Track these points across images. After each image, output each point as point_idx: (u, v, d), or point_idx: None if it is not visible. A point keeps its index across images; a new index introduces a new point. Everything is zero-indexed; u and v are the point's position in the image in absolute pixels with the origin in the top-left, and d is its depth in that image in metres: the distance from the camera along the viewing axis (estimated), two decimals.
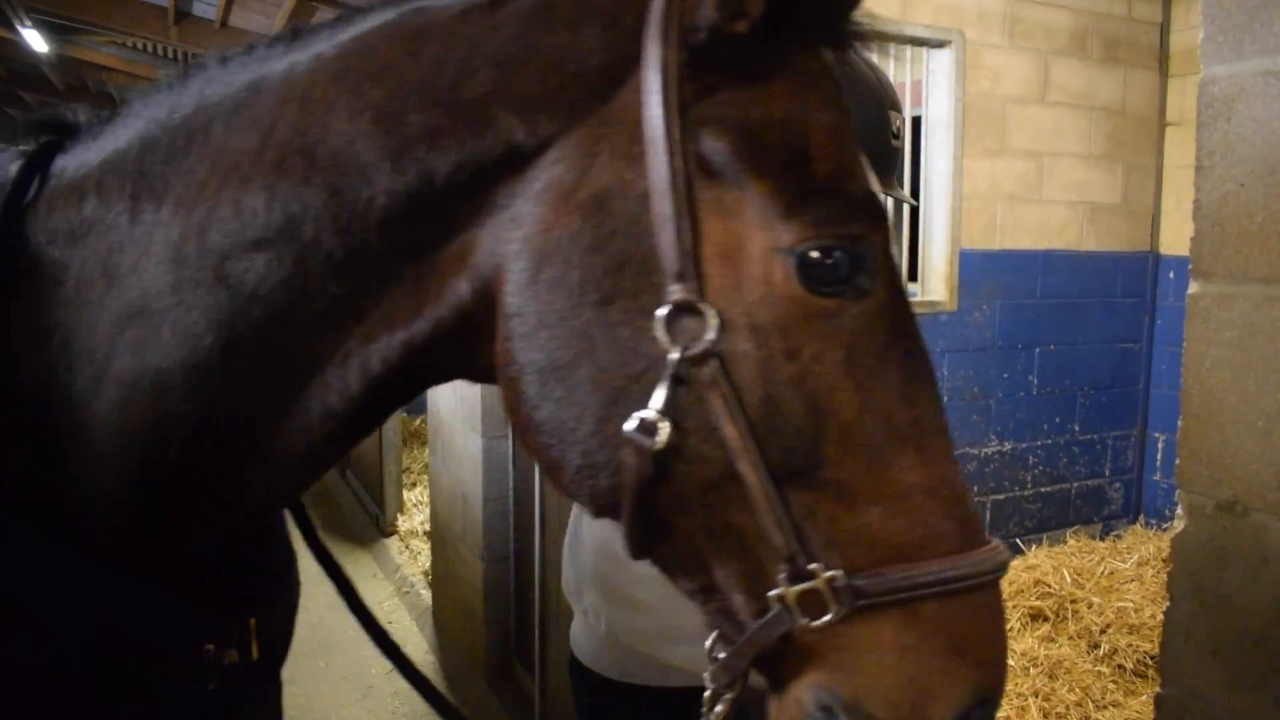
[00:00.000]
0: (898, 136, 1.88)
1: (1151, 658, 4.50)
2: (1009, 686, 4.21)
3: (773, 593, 0.84)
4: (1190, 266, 1.53)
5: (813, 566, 0.83)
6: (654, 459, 0.85)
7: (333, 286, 0.97)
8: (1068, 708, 4.16)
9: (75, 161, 1.14)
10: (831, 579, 0.83)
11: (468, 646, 4.81)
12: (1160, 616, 5.03)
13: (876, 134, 1.77)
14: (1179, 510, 1.56)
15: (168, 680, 1.14)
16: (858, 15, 0.92)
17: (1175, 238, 6.40)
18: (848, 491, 0.85)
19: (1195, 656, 1.49)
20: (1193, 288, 1.52)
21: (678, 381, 0.84)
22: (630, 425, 0.85)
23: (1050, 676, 4.38)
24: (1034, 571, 5.40)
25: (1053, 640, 4.78)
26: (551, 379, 0.90)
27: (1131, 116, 6.29)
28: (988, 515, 5.98)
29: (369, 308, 0.98)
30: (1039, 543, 6.07)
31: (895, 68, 4.97)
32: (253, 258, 0.98)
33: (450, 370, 1.06)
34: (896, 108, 1.86)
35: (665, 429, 0.84)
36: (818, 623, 0.83)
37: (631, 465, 0.85)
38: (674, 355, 0.83)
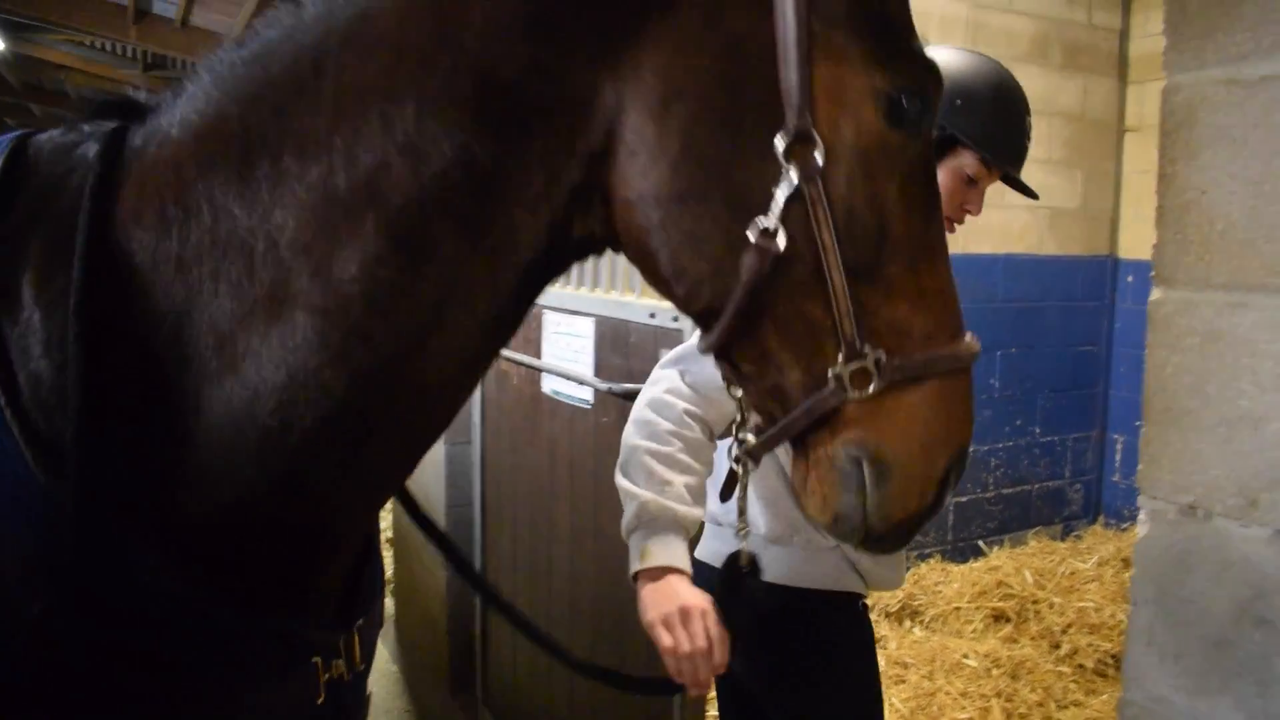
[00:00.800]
0: (1029, 137, 2.27)
1: (1112, 657, 4.56)
2: (971, 689, 4.27)
3: (832, 370, 1.04)
4: (1152, 273, 1.53)
5: (866, 349, 1.04)
6: (772, 261, 1.01)
7: (482, 159, 1.03)
8: (1030, 708, 4.19)
9: (156, 140, 1.10)
10: (878, 359, 1.04)
11: (430, 655, 4.77)
12: (1120, 616, 5.09)
13: (1019, 135, 2.24)
14: (1141, 515, 1.56)
15: (278, 698, 1.13)
16: None
17: (1134, 242, 6.48)
18: (890, 290, 1.06)
19: (1158, 661, 1.50)
20: (1155, 294, 1.53)
21: (793, 197, 1.00)
22: (753, 234, 1.01)
23: (1013, 677, 4.42)
24: (996, 573, 5.45)
25: (1015, 641, 4.82)
26: (678, 200, 1.03)
27: (1091, 122, 6.36)
28: (950, 517, 6.03)
29: (510, 184, 1.04)
30: (1001, 544, 6.12)
31: None
32: (406, 163, 1.02)
33: (582, 230, 1.11)
34: (1030, 113, 2.26)
35: (783, 236, 1.01)
36: (863, 393, 1.05)
37: (752, 266, 1.01)
38: (793, 175, 1.00)
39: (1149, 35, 6.28)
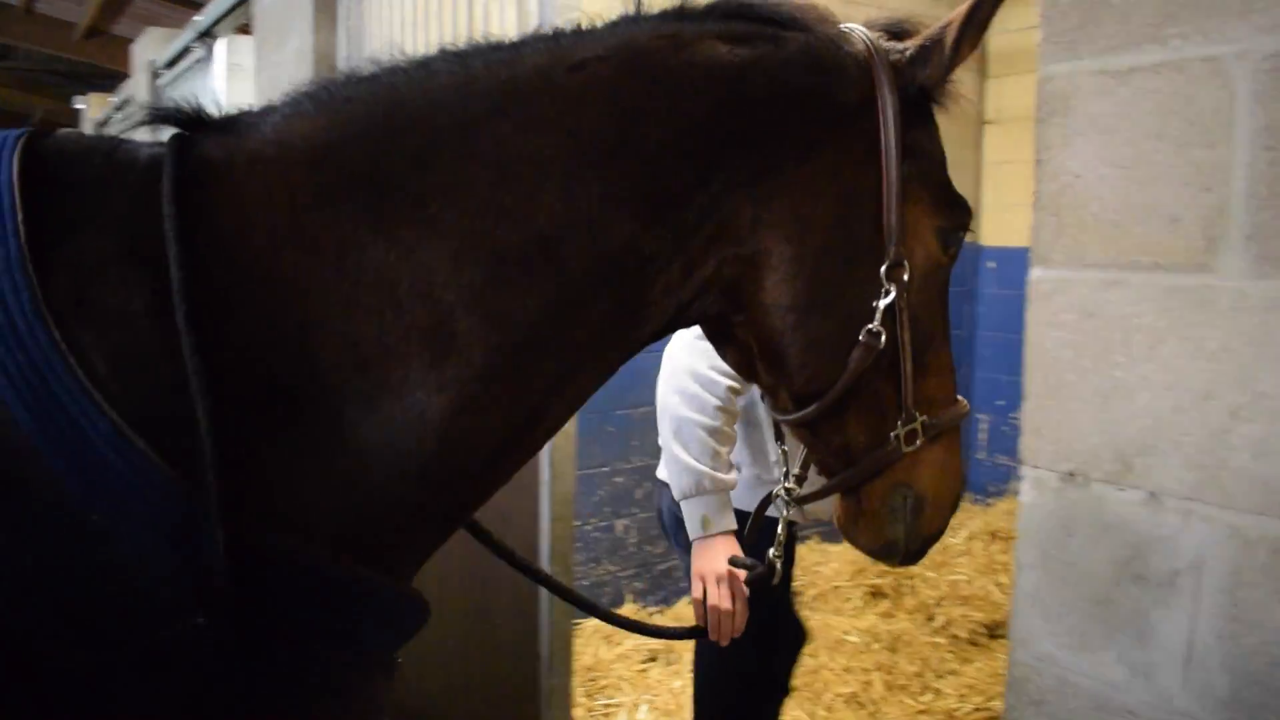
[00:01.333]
0: None
1: (984, 626, 4.77)
2: (853, 664, 4.41)
3: (893, 433, 1.37)
4: (1031, 253, 1.61)
5: (915, 415, 1.37)
6: (874, 356, 1.32)
7: (645, 247, 1.21)
8: (909, 679, 4.35)
9: (246, 157, 1.10)
10: (923, 422, 1.38)
11: None
12: (990, 587, 5.29)
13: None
14: (1024, 484, 1.64)
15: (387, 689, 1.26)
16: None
17: (994, 229, 6.77)
18: (927, 369, 1.39)
19: (1044, 621, 1.58)
20: (1034, 274, 1.61)
21: (889, 307, 1.32)
22: (863, 335, 1.31)
23: (892, 650, 4.58)
24: None
25: (892, 616, 4.99)
26: (807, 310, 1.31)
27: (952, 114, 6.58)
28: None
29: (659, 269, 1.23)
30: None
31: None
32: (586, 237, 1.17)
33: (698, 310, 1.34)
34: None
35: (884, 336, 1.31)
36: (912, 449, 1.38)
37: (859, 359, 1.32)
38: (893, 291, 1.32)
39: (1006, 31, 6.55)
